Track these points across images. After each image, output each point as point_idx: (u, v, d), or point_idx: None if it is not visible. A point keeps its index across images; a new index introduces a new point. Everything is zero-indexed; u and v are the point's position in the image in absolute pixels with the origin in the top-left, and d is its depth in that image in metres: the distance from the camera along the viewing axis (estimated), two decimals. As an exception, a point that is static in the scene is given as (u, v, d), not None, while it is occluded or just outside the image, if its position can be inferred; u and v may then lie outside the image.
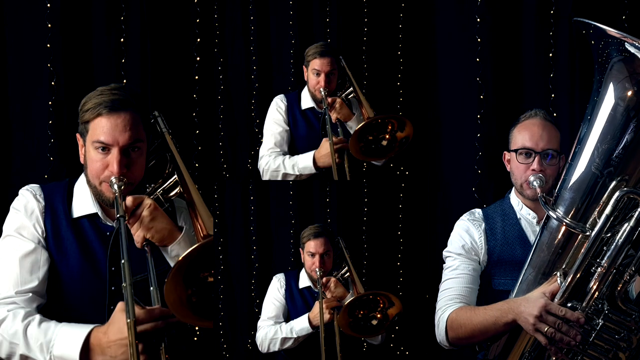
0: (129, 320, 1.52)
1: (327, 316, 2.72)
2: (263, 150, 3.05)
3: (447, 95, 3.52)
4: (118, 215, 1.70)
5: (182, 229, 1.82)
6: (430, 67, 3.54)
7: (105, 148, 1.80)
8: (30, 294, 1.82)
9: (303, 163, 2.93)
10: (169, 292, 1.54)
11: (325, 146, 2.85)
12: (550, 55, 3.27)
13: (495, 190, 3.29)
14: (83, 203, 1.93)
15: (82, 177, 1.95)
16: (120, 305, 1.67)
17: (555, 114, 3.24)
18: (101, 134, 1.79)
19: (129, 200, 1.74)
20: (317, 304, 2.77)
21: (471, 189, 3.37)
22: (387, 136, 2.81)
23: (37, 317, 1.77)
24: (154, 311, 1.63)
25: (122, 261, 1.61)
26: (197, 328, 3.43)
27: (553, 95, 3.27)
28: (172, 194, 1.91)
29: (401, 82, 3.57)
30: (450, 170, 3.52)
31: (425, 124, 3.54)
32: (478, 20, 3.35)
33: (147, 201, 1.76)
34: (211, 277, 1.66)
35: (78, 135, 1.89)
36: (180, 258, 1.54)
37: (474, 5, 3.35)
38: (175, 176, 1.89)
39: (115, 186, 1.76)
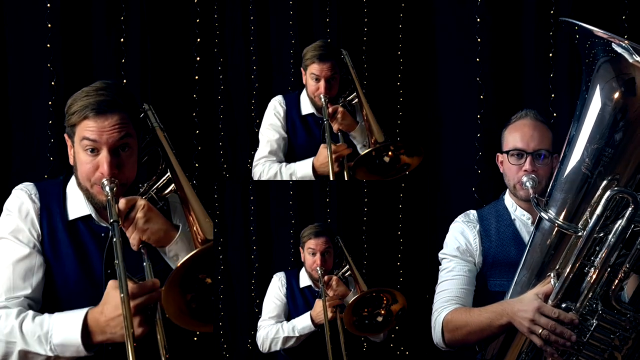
0: (122, 295, 1.52)
1: (330, 314, 2.70)
2: (257, 159, 2.88)
3: (447, 95, 3.51)
4: (111, 221, 1.64)
5: (178, 227, 1.78)
6: (430, 67, 3.54)
7: (95, 149, 1.74)
8: (23, 298, 1.77)
9: (301, 172, 2.76)
10: (167, 304, 1.53)
11: (324, 154, 2.66)
12: (550, 55, 3.26)
13: (495, 190, 3.27)
14: (77, 204, 1.87)
15: (74, 178, 1.88)
16: (112, 283, 1.64)
17: (555, 114, 3.23)
18: (90, 137, 1.73)
19: (122, 202, 1.69)
20: (318, 301, 2.75)
21: (471, 189, 3.37)
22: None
23: (30, 312, 1.73)
24: (146, 284, 1.62)
25: (116, 262, 1.59)
26: (196, 328, 3.43)
27: (553, 95, 3.26)
28: (166, 192, 1.85)
29: (401, 82, 3.56)
30: (450, 170, 3.51)
31: (425, 124, 3.54)
32: (478, 20, 3.34)
33: (141, 202, 1.71)
34: (209, 278, 1.63)
35: (66, 136, 1.84)
36: (177, 265, 1.52)
37: (474, 5, 3.35)
38: (169, 173, 1.84)
39: (107, 188, 1.70)
